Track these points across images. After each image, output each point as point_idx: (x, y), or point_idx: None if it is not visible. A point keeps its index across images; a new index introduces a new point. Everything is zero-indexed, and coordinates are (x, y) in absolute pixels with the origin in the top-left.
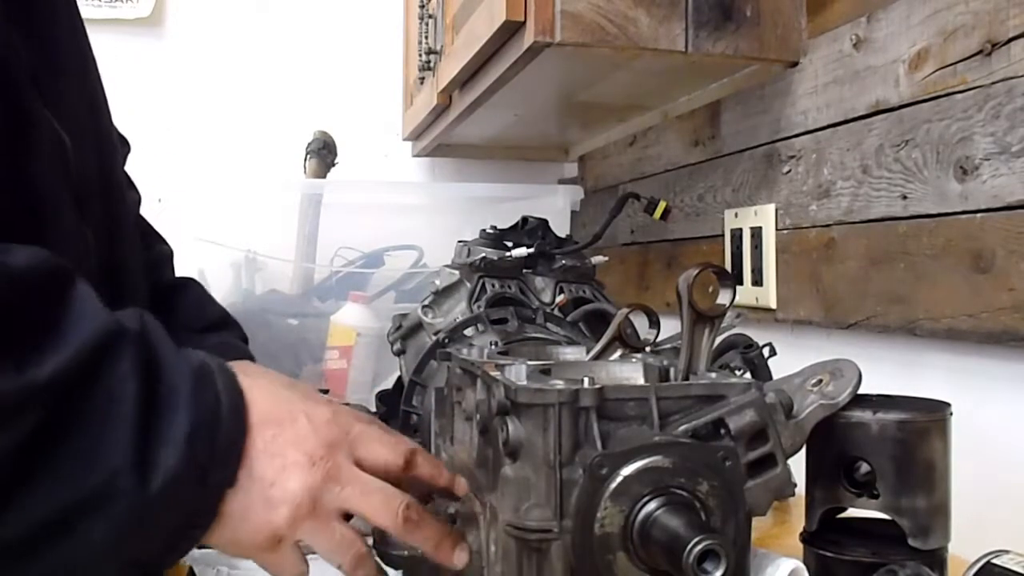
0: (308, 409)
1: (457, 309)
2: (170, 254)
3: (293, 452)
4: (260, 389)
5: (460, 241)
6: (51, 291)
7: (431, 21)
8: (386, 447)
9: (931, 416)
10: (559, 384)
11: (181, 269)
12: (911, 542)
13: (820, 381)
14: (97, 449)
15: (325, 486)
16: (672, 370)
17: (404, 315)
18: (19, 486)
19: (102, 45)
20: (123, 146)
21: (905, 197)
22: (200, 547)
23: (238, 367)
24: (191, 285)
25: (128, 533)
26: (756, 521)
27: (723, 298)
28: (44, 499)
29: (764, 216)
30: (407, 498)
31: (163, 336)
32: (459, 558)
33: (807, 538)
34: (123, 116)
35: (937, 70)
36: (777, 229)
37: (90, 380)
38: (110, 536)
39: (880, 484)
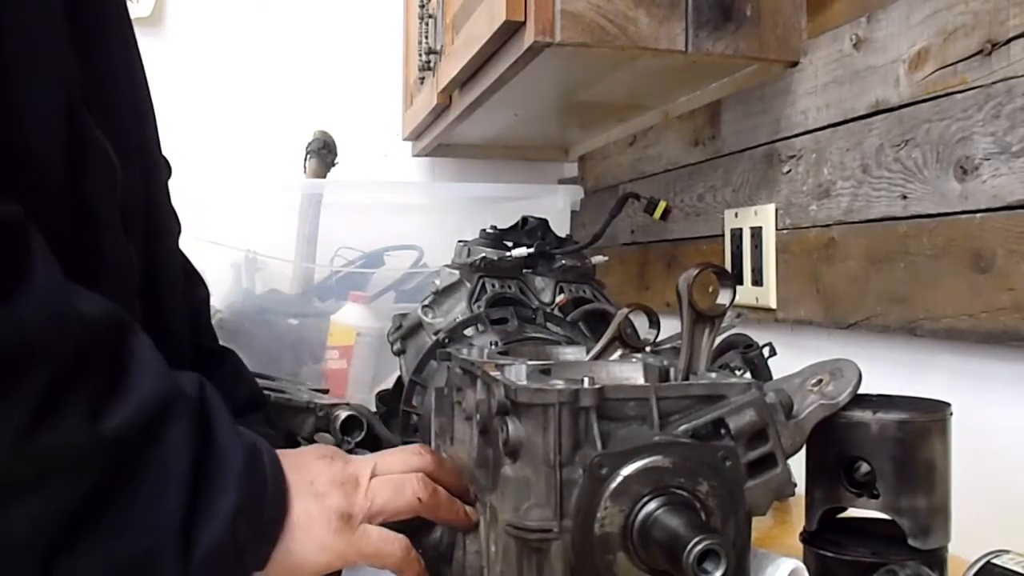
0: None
1: (457, 309)
2: (207, 298)
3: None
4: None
5: (460, 241)
6: (118, 342)
7: (431, 21)
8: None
9: (931, 416)
10: (559, 384)
11: None
12: (911, 542)
13: (820, 381)
14: (145, 514)
15: (348, 465)
16: (672, 370)
17: (404, 315)
18: (68, 540)
19: None
20: (166, 171)
21: (905, 197)
22: None
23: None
24: (229, 358)
25: None
26: (756, 521)
27: (723, 298)
28: (87, 558)
29: (764, 216)
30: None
31: (221, 407)
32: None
33: (807, 538)
34: None
35: (937, 70)
36: (777, 229)
37: (148, 441)
38: None
39: (880, 484)
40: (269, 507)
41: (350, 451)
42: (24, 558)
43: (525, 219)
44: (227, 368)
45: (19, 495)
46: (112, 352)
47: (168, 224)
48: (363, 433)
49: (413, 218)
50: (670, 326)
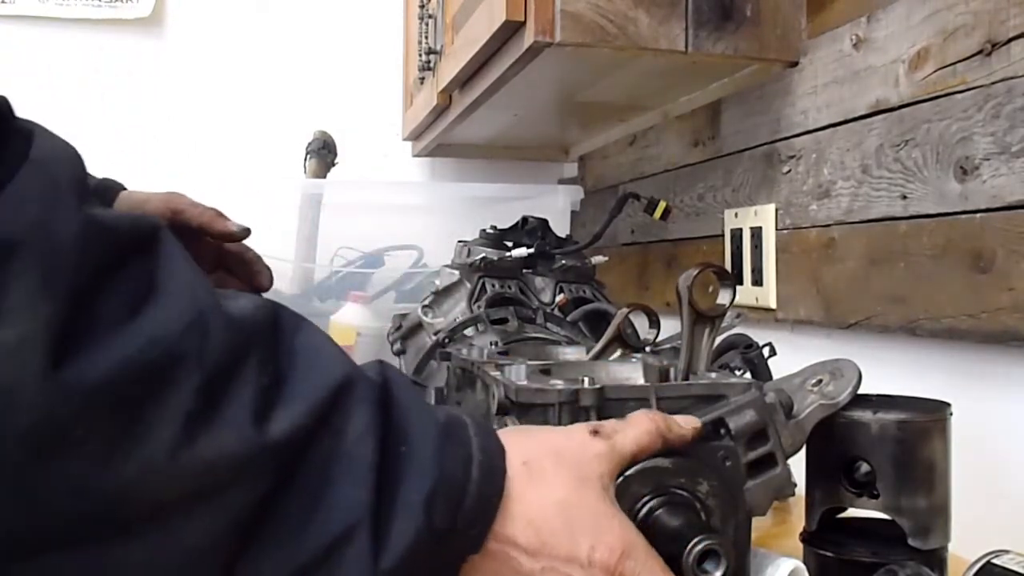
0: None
1: (457, 309)
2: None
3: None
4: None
5: (460, 241)
6: (276, 337)
7: (431, 21)
8: None
9: (931, 416)
10: (559, 384)
11: None
12: (911, 542)
13: (820, 381)
14: (327, 512)
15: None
16: (672, 370)
17: (404, 315)
18: (248, 545)
19: (102, 45)
20: None
21: (905, 197)
22: None
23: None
24: None
25: None
26: (756, 521)
27: (723, 298)
28: (269, 562)
29: (764, 216)
30: None
31: (407, 386)
32: None
33: (807, 538)
34: (123, 116)
35: (937, 70)
36: (777, 229)
37: (325, 435)
38: None
39: (880, 484)
40: (478, 485)
41: None
42: (205, 569)
43: (525, 219)
44: None
45: (192, 507)
46: (271, 348)
47: None
48: None
49: (413, 218)
50: (670, 326)
